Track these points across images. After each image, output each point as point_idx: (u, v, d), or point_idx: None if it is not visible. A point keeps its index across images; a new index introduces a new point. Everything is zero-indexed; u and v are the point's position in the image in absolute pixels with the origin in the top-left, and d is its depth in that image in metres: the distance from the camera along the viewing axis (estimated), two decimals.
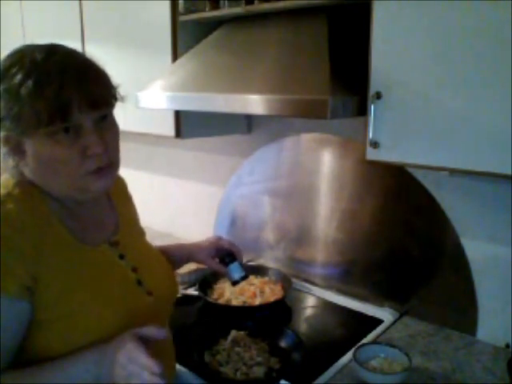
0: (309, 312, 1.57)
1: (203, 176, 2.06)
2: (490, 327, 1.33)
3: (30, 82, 0.74)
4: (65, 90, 0.75)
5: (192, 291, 1.63)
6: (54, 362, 0.78)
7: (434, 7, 0.96)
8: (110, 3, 1.66)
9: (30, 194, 0.82)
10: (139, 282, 0.92)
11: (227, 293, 1.56)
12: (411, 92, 1.02)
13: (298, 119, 1.64)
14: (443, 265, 1.40)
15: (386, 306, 1.52)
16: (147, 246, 1.06)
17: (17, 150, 0.80)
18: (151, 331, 0.78)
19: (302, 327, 1.48)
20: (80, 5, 1.77)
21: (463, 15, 0.93)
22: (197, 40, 1.49)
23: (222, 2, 1.37)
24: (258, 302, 1.52)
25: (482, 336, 1.35)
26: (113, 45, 1.69)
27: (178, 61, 1.46)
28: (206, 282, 1.63)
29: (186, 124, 1.57)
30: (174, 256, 1.14)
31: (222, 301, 1.54)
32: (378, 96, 1.05)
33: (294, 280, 1.65)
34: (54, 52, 0.79)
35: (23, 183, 0.82)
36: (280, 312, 1.53)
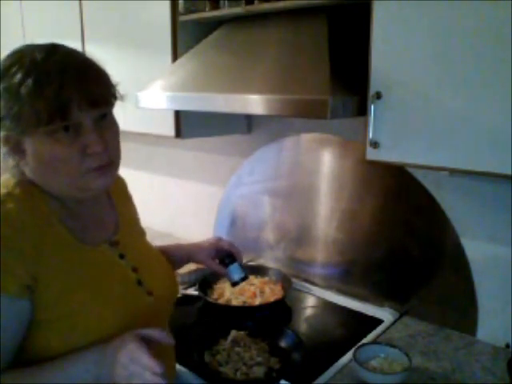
0: (309, 312, 1.57)
1: (203, 176, 2.06)
2: (490, 327, 1.33)
3: (29, 82, 0.74)
4: (65, 90, 0.75)
5: (192, 291, 1.64)
6: (54, 361, 0.78)
7: (434, 7, 0.96)
8: (109, 3, 1.66)
9: (31, 193, 0.82)
10: (139, 282, 0.92)
11: (227, 293, 1.56)
12: (411, 92, 1.02)
13: (298, 119, 1.64)
14: (443, 265, 1.40)
15: (385, 306, 1.52)
16: (147, 246, 1.06)
17: (17, 150, 0.80)
18: (154, 334, 0.78)
19: (302, 327, 1.48)
20: (80, 5, 1.77)
21: (463, 15, 0.93)
22: (197, 40, 1.49)
23: (222, 2, 1.37)
24: (258, 302, 1.52)
25: (482, 336, 1.35)
26: (113, 45, 1.69)
27: (178, 61, 1.46)
28: (206, 282, 1.63)
29: (186, 124, 1.57)
30: (174, 256, 1.14)
31: (222, 301, 1.54)
32: (378, 96, 1.05)
33: (294, 280, 1.65)
34: (54, 52, 0.79)
35: (24, 183, 0.82)
36: (280, 312, 1.53)
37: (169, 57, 1.50)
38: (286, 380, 1.11)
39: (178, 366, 1.13)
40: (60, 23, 1.89)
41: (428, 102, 1.00)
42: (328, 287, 1.67)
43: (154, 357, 0.73)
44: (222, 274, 1.17)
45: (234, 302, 1.52)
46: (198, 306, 1.57)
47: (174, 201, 2.22)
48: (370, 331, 1.39)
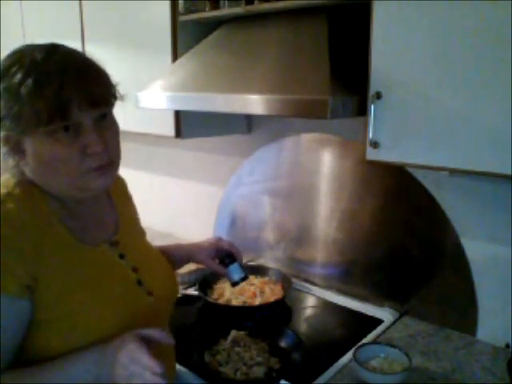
0: (309, 312, 1.57)
1: (203, 176, 2.06)
2: (490, 327, 1.33)
3: (29, 82, 0.74)
4: (65, 90, 0.75)
5: (192, 291, 1.63)
6: (54, 361, 0.78)
7: (434, 7, 0.96)
8: (110, 3, 1.66)
9: (31, 193, 0.82)
10: (139, 282, 0.92)
11: (227, 293, 1.56)
12: (411, 92, 1.02)
13: (298, 119, 1.64)
14: (443, 265, 1.40)
15: (385, 306, 1.52)
16: (147, 246, 1.06)
17: (17, 150, 0.80)
18: (154, 334, 0.78)
19: (302, 327, 1.48)
20: (80, 5, 1.77)
21: (463, 15, 0.93)
22: (197, 40, 1.48)
23: (222, 2, 1.37)
24: (258, 302, 1.52)
25: (482, 336, 1.35)
26: (113, 45, 1.69)
27: (178, 61, 1.46)
28: (206, 281, 1.63)
29: (186, 124, 1.57)
30: (174, 256, 1.14)
31: (222, 301, 1.54)
32: (378, 96, 1.05)
33: (294, 280, 1.65)
34: (54, 52, 0.79)
35: (24, 183, 0.82)
36: (280, 312, 1.53)
37: (169, 57, 1.50)
38: (286, 380, 1.11)
39: (178, 366, 1.13)
40: (60, 23, 1.89)
41: (428, 102, 1.00)
42: (328, 287, 1.67)
43: (154, 357, 0.73)
44: (222, 273, 1.17)
45: (234, 302, 1.52)
46: (198, 306, 1.57)
47: (174, 201, 2.22)
48: (369, 331, 1.39)
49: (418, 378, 1.18)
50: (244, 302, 1.52)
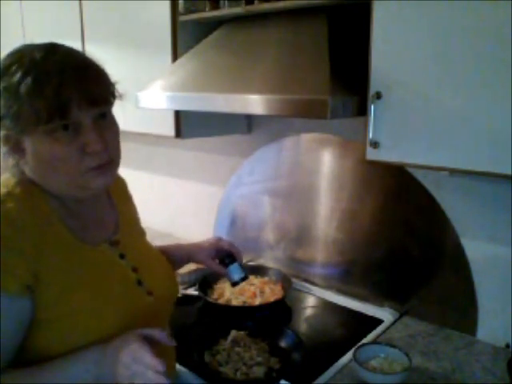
0: (309, 312, 1.57)
1: (203, 176, 2.06)
2: (490, 327, 1.33)
3: (29, 81, 0.74)
4: (64, 89, 0.75)
5: (192, 291, 1.63)
6: (54, 361, 0.78)
7: (434, 7, 0.96)
8: (110, 3, 1.66)
9: (31, 192, 0.82)
10: (139, 282, 0.92)
11: (227, 293, 1.56)
12: (411, 92, 1.02)
13: (298, 119, 1.64)
14: (443, 265, 1.40)
15: (385, 306, 1.52)
16: (147, 246, 1.06)
17: (16, 149, 0.80)
18: (155, 334, 0.78)
19: (302, 327, 1.48)
20: (80, 5, 1.77)
21: (463, 15, 0.93)
22: (197, 40, 1.49)
23: (222, 2, 1.37)
24: (258, 302, 1.52)
25: (482, 336, 1.35)
26: (113, 45, 1.69)
27: (178, 61, 1.46)
28: (206, 281, 1.63)
29: (186, 124, 1.57)
30: (174, 256, 1.14)
31: (222, 301, 1.54)
32: (378, 96, 1.05)
33: (294, 280, 1.65)
34: (54, 51, 0.79)
35: (24, 182, 0.83)
36: (280, 312, 1.53)
37: (169, 57, 1.50)
38: (286, 380, 1.11)
39: (178, 366, 1.13)
40: (60, 23, 1.89)
41: (428, 102, 1.00)
42: (328, 287, 1.67)
43: (156, 356, 0.73)
44: (222, 274, 1.17)
45: (234, 302, 1.52)
46: (198, 306, 1.57)
47: (174, 201, 2.22)
48: (369, 331, 1.39)
49: (418, 378, 1.18)
50: (244, 302, 1.52)
